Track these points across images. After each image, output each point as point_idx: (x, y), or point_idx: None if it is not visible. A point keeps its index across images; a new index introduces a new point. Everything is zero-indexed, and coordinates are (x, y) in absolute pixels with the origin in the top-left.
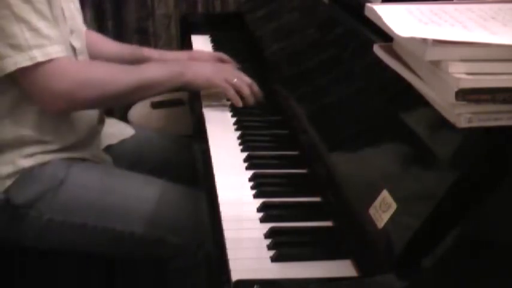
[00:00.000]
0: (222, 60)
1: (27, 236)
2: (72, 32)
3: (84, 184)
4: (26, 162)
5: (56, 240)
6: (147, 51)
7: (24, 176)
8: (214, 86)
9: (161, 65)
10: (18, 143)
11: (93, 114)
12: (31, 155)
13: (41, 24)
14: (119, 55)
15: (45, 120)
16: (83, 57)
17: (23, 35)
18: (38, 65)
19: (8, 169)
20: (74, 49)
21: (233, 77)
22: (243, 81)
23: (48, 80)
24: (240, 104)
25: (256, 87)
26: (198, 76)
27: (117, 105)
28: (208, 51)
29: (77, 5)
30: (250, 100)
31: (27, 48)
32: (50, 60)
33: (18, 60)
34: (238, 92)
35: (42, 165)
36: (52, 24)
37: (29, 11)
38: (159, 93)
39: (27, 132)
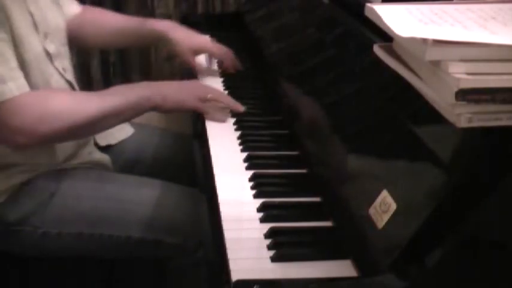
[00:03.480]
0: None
1: (24, 249)
2: (46, 35)
3: (75, 194)
4: (16, 180)
5: (53, 250)
6: (150, 24)
7: (15, 192)
8: (188, 109)
9: (127, 90)
10: (8, 166)
11: None
12: (22, 172)
13: None
14: (122, 30)
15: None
16: (59, 61)
17: None
18: None
19: None
20: (48, 54)
21: (206, 93)
22: (217, 92)
23: (5, 117)
24: (224, 119)
25: (229, 97)
26: (168, 100)
27: (83, 137)
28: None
29: None
30: (238, 107)
31: None
32: (5, 100)
33: None
34: (220, 103)
35: (32, 179)
36: (3, 59)
37: None
38: (128, 120)
39: (16, 159)
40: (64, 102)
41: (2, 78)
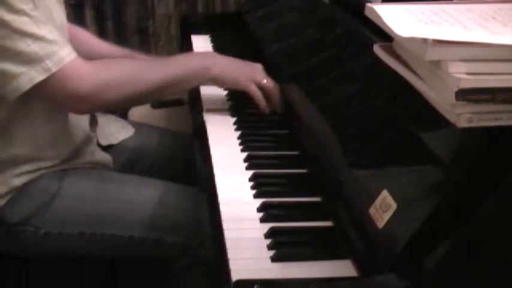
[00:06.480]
0: None
1: (26, 250)
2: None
3: (77, 195)
4: (19, 181)
5: (55, 250)
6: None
7: (17, 193)
8: (241, 87)
9: (189, 59)
10: (12, 163)
11: (85, 119)
12: (24, 173)
13: (43, 31)
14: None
15: (38, 136)
16: None
17: (31, 48)
18: (53, 74)
19: (1, 189)
20: None
21: (262, 78)
22: (271, 83)
23: (68, 85)
24: (266, 110)
25: (278, 93)
26: (226, 73)
27: (143, 103)
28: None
29: None
30: (266, 108)
31: (40, 61)
32: (64, 66)
33: (33, 76)
34: (267, 95)
35: (35, 180)
36: (53, 27)
37: (29, 23)
38: (187, 89)
39: (20, 151)
40: (127, 69)
41: (59, 44)
